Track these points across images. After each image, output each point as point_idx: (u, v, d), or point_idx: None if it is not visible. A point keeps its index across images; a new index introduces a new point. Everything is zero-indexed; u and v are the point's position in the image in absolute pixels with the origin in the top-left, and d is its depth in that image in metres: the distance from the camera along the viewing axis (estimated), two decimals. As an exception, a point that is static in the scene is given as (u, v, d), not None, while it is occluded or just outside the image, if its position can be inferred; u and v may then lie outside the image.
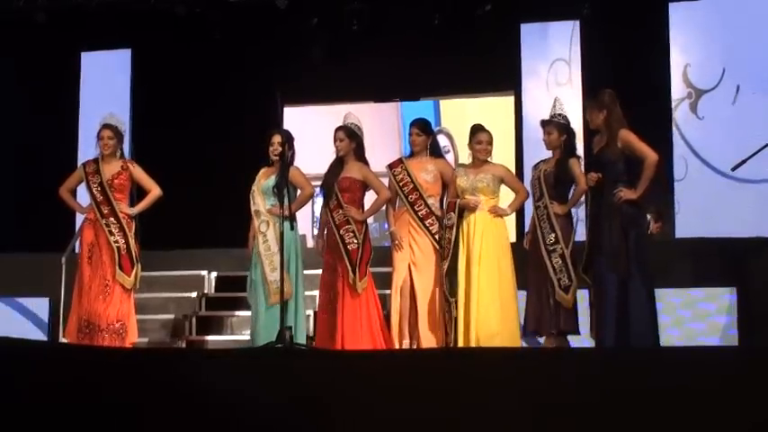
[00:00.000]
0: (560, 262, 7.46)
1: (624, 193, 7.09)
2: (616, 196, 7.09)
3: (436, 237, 7.79)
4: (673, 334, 8.77)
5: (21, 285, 10.29)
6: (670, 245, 9.73)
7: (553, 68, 11.40)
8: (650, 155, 7.15)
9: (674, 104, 11.27)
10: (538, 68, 11.37)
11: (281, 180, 7.29)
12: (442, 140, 9.68)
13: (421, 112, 10.36)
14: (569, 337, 7.58)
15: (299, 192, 7.92)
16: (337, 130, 8.08)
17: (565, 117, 7.69)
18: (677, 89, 11.40)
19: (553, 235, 7.51)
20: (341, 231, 7.83)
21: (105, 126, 8.23)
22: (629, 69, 10.33)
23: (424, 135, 8.02)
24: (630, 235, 7.07)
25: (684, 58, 11.46)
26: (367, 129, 8.19)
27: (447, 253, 7.63)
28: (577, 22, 11.28)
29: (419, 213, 7.85)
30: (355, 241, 7.79)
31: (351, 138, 7.97)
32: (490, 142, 7.80)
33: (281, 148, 7.69)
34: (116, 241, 7.98)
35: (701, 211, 10.83)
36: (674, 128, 11.20)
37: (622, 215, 7.10)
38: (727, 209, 10.63)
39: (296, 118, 11.32)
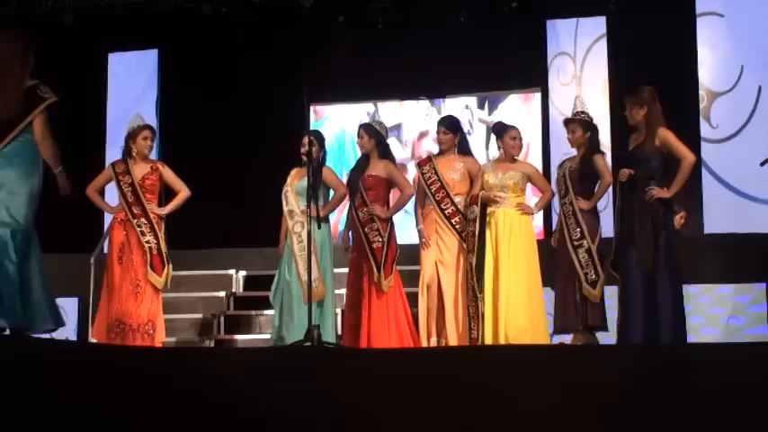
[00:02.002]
0: (587, 257, 7.48)
1: (657, 192, 7.06)
2: (648, 194, 7.07)
3: (463, 235, 7.79)
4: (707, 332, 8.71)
5: (50, 286, 10.34)
6: (699, 240, 9.64)
7: (567, 64, 11.24)
8: (688, 156, 7.15)
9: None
10: (563, 65, 11.30)
11: (313, 181, 7.31)
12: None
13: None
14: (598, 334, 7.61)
15: (331, 192, 7.95)
16: (359, 128, 8.21)
17: (588, 114, 7.73)
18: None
19: (579, 230, 7.52)
20: (365, 229, 7.85)
21: (147, 127, 8.25)
22: (655, 65, 10.20)
23: (451, 133, 8.03)
24: (661, 234, 7.05)
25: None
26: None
27: (472, 246, 7.63)
28: (581, 19, 11.17)
29: (446, 212, 7.85)
30: (380, 239, 7.80)
31: (371, 135, 8.01)
32: (521, 138, 7.85)
33: (306, 148, 7.70)
34: (148, 242, 8.01)
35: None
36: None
37: (654, 213, 7.08)
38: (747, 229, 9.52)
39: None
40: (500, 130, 7.92)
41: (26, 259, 6.04)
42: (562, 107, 10.47)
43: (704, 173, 10.00)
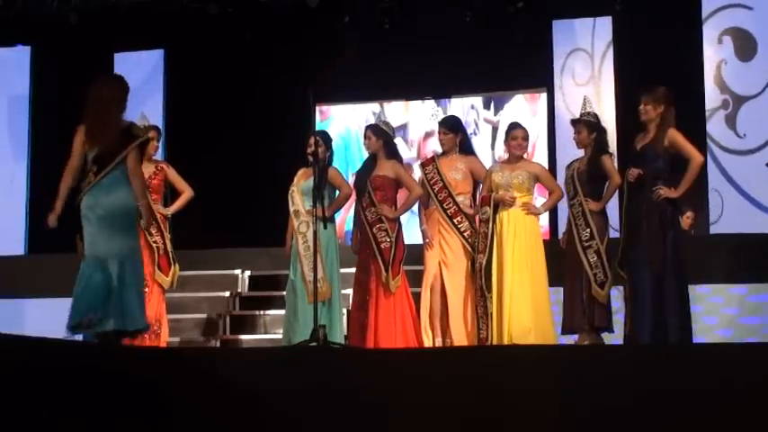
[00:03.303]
0: (596, 258, 7.51)
1: (664, 192, 7.11)
2: (655, 194, 7.11)
3: (465, 235, 7.81)
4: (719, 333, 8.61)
5: (55, 286, 10.35)
6: (706, 240, 9.57)
7: (579, 63, 11.14)
8: (696, 156, 7.23)
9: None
10: (570, 65, 11.24)
11: (318, 181, 7.32)
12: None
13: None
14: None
15: (337, 193, 7.95)
16: (365, 128, 8.24)
17: (594, 115, 7.79)
18: (709, 95, 9.68)
19: (588, 231, 7.54)
20: (373, 230, 7.85)
21: (153, 127, 8.28)
22: (660, 67, 10.10)
23: (452, 134, 8.04)
24: (669, 233, 7.10)
25: (718, 52, 9.71)
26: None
27: (483, 247, 7.64)
28: (598, 18, 11.10)
29: (448, 211, 7.86)
30: (388, 240, 7.80)
31: (378, 135, 8.02)
32: (525, 138, 7.83)
33: (313, 149, 7.70)
34: (155, 241, 8.02)
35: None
36: (707, 140, 9.37)
37: (661, 213, 7.13)
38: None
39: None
40: (507, 129, 7.94)
41: (125, 278, 6.62)
42: (574, 107, 10.39)
43: (730, 191, 9.19)
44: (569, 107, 10.54)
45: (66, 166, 6.80)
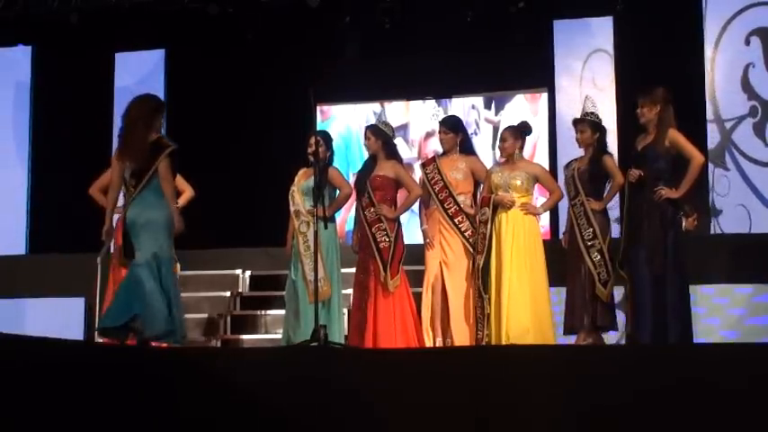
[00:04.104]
0: (599, 257, 7.52)
1: (665, 192, 7.13)
2: (657, 194, 7.12)
3: (466, 234, 7.82)
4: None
5: (56, 285, 10.37)
6: (710, 240, 9.54)
7: (587, 64, 11.07)
8: (697, 157, 7.24)
9: (729, 125, 9.16)
10: (571, 65, 11.22)
11: (318, 180, 7.33)
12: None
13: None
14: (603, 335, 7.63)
15: (337, 192, 7.96)
16: (365, 129, 8.25)
17: (597, 115, 7.76)
18: (732, 101, 9.13)
19: (591, 230, 7.55)
20: (373, 229, 7.86)
21: None
22: (662, 68, 10.06)
23: (452, 133, 8.06)
24: (669, 233, 7.11)
25: (745, 55, 9.15)
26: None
27: (482, 248, 7.64)
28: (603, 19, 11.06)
29: (449, 211, 7.88)
30: (387, 239, 7.81)
31: (377, 136, 8.03)
32: (505, 139, 7.83)
33: (314, 148, 7.71)
34: None
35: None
36: (726, 156, 8.94)
37: (662, 213, 7.14)
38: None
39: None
40: None
41: (168, 282, 6.99)
42: (571, 107, 10.33)
43: (758, 205, 8.81)
44: (568, 107, 10.50)
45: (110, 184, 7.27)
